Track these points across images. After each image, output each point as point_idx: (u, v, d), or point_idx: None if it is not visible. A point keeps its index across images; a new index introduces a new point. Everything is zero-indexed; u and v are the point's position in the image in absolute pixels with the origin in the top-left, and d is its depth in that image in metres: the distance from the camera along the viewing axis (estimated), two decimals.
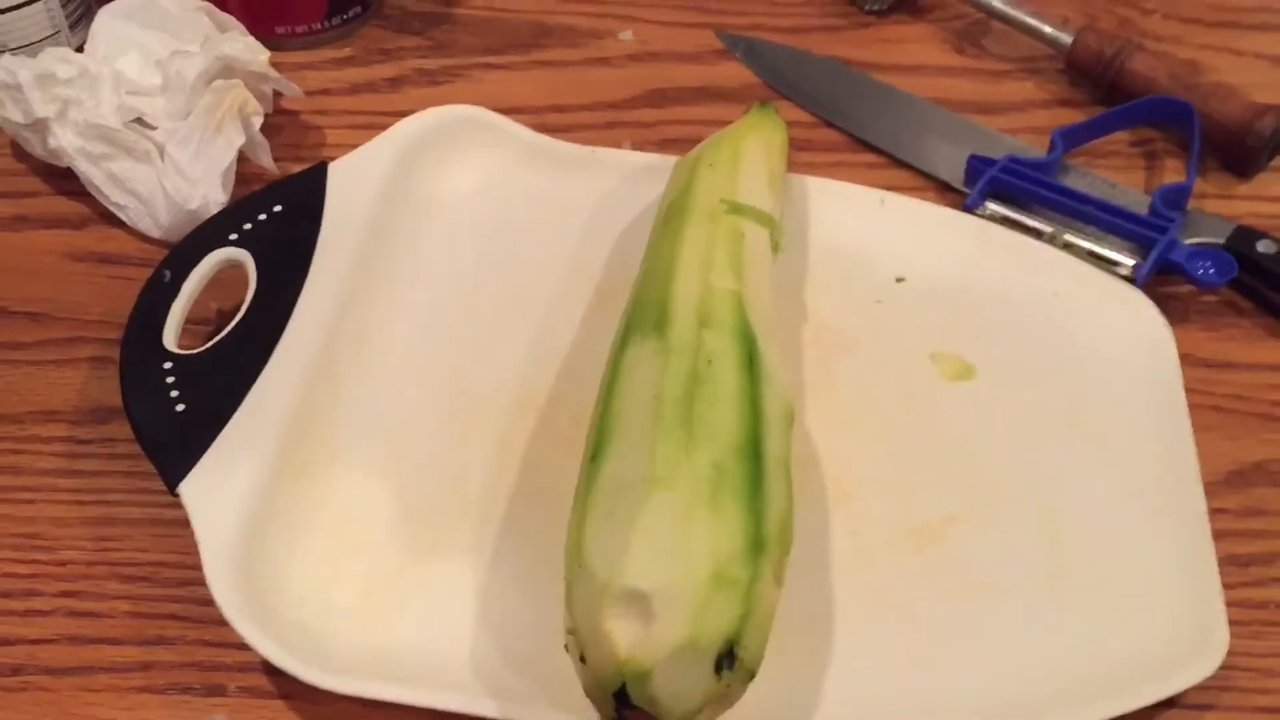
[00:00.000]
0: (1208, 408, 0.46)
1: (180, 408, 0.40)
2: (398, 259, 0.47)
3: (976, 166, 0.52)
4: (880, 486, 0.42)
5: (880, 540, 0.41)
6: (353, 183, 0.48)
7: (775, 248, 0.46)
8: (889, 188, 0.52)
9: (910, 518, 0.42)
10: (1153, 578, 0.40)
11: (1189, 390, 0.45)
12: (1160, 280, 0.49)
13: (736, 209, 0.44)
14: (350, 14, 0.59)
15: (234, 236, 0.45)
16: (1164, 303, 0.48)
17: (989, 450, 0.44)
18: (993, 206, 0.51)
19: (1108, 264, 0.49)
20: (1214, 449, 0.44)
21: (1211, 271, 0.48)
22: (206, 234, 0.45)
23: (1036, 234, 0.50)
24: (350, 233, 0.46)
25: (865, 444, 0.44)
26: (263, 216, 0.46)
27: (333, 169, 0.48)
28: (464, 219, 0.50)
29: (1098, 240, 0.49)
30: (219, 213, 0.47)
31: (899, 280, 0.49)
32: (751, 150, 0.48)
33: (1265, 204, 0.54)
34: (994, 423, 0.44)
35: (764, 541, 0.34)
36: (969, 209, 0.51)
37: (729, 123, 0.50)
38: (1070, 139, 0.54)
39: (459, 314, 0.47)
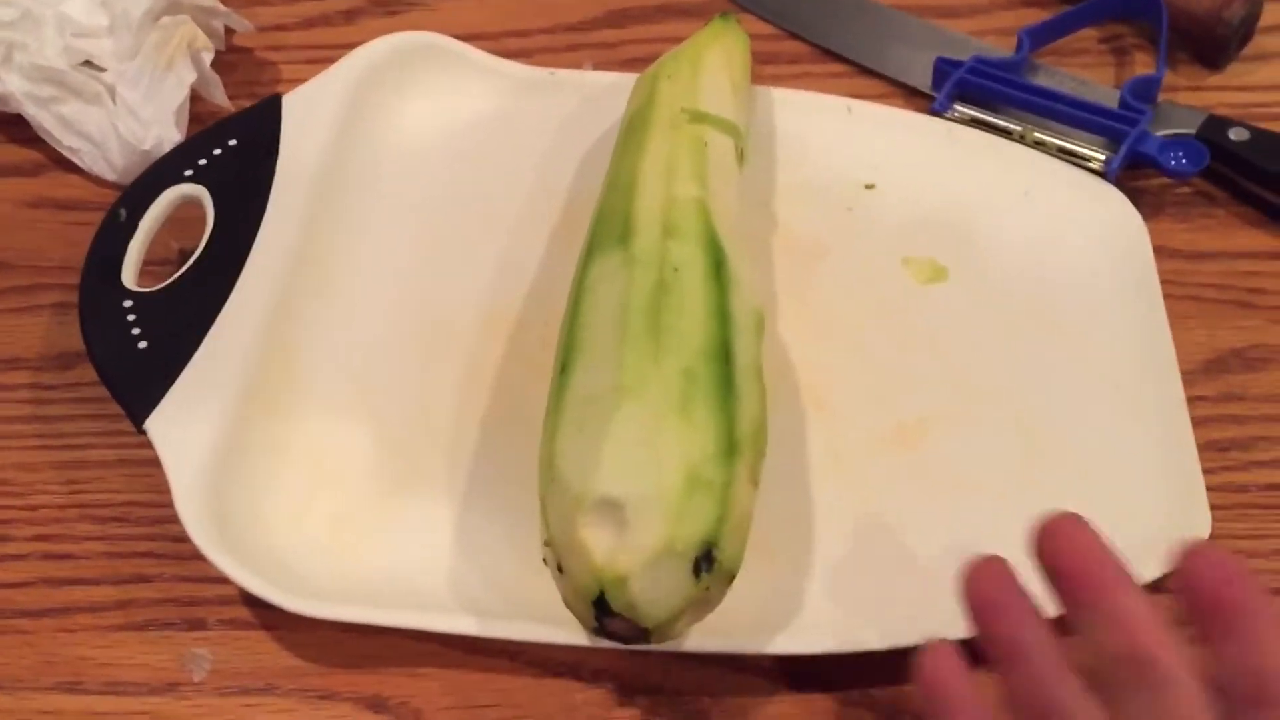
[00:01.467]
0: (1184, 297, 0.45)
1: (143, 345, 0.39)
2: (357, 189, 0.47)
3: (943, 69, 0.51)
4: (856, 391, 0.42)
5: (858, 444, 0.41)
6: (308, 114, 0.47)
7: (741, 157, 0.45)
8: (856, 96, 0.51)
9: (887, 421, 0.41)
10: (1133, 467, 0.40)
11: (1165, 281, 0.45)
12: (1133, 174, 0.49)
13: (699, 118, 0.44)
14: None
15: (189, 173, 0.44)
16: (1137, 196, 0.47)
17: (964, 351, 0.43)
18: (961, 109, 0.50)
19: (1079, 160, 0.48)
20: (1191, 338, 0.44)
21: (1184, 161, 0.47)
22: (162, 171, 0.45)
23: (1006, 133, 0.49)
24: (307, 165, 0.45)
25: (840, 350, 0.43)
26: (218, 152, 0.45)
27: (287, 101, 0.47)
28: (423, 147, 0.49)
29: (1068, 137, 0.49)
30: (173, 150, 0.46)
31: (868, 187, 0.48)
32: (713, 60, 0.47)
33: (1235, 93, 0.53)
34: (969, 323, 0.44)
35: (737, 444, 0.34)
36: (937, 112, 0.50)
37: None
38: (1037, 37, 0.53)
39: (422, 241, 0.46)
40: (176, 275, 0.41)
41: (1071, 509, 0.39)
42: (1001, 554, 0.37)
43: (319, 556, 0.37)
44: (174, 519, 0.36)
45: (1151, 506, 0.39)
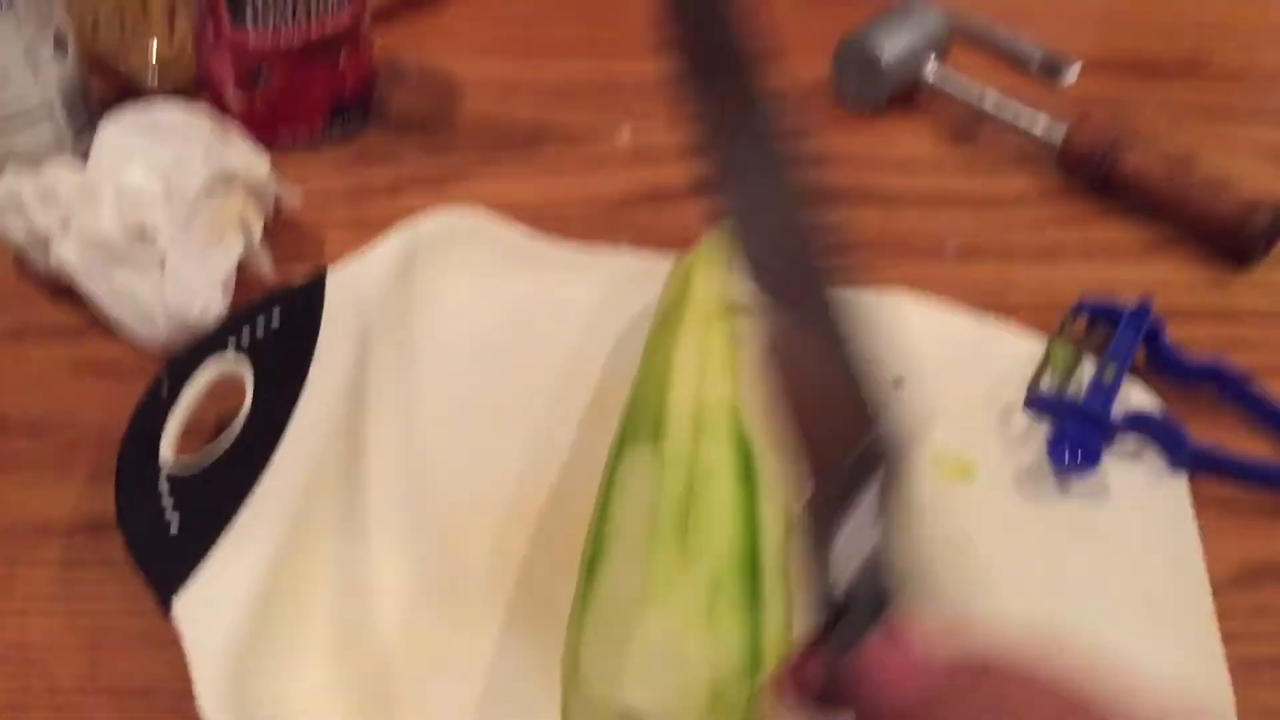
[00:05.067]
0: (1214, 506, 0.45)
1: (174, 526, 0.40)
2: (394, 364, 0.47)
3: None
4: None
5: None
6: (350, 289, 0.48)
7: None
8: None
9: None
10: (1163, 681, 0.39)
11: (1194, 485, 0.44)
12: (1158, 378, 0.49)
13: (733, 310, 0.44)
14: (350, 119, 0.60)
15: (232, 346, 0.45)
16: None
17: (994, 552, 0.43)
18: None
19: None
20: (1222, 548, 0.44)
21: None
22: (205, 344, 0.45)
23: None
24: (347, 340, 0.46)
25: None
26: (261, 325, 0.46)
27: (332, 276, 0.48)
28: (461, 322, 0.50)
29: None
30: (218, 322, 0.47)
31: (897, 382, 0.48)
32: None
33: (1260, 295, 0.54)
34: (995, 523, 0.44)
35: (761, 658, 0.33)
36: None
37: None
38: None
39: (456, 417, 0.47)
40: (213, 454, 0.42)
41: None
42: None
43: None
44: (193, 697, 0.36)
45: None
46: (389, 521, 0.43)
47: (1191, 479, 0.45)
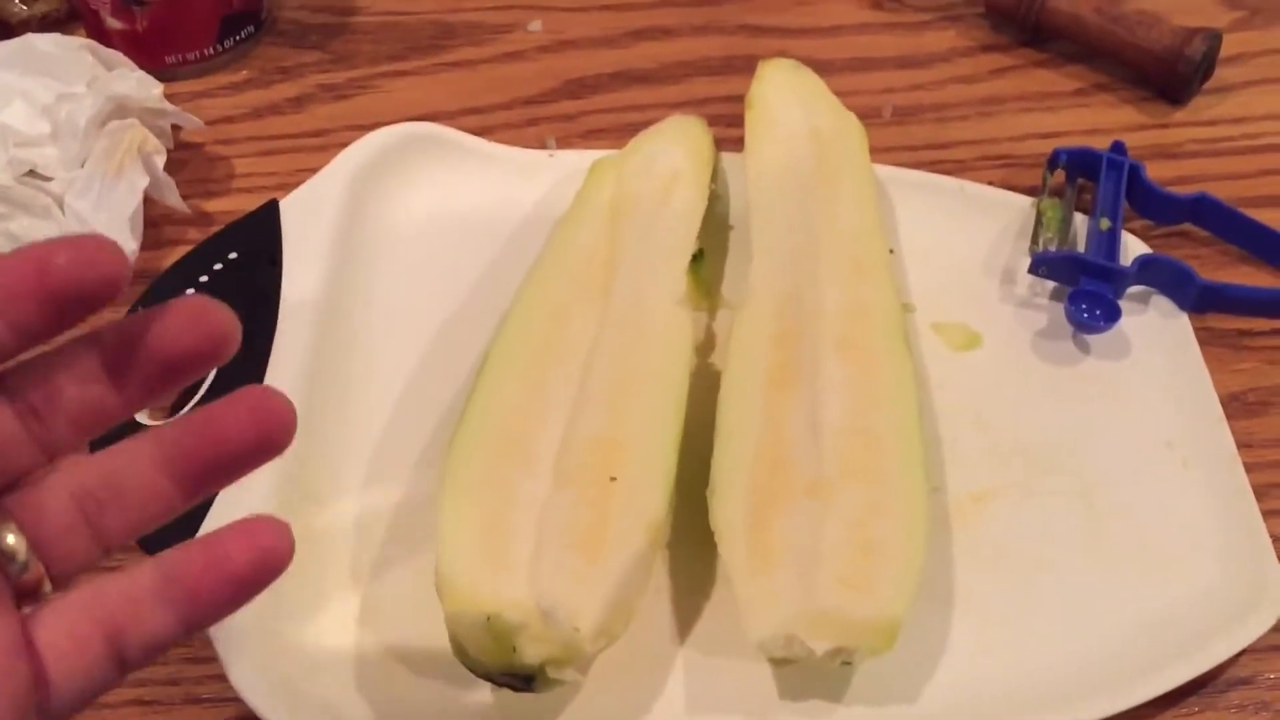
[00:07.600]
0: (1215, 336, 0.45)
1: None
2: (364, 288, 0.45)
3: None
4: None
5: None
6: (305, 217, 0.45)
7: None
8: None
9: (939, 497, 0.39)
10: (1196, 529, 0.39)
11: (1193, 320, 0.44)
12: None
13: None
14: (243, 34, 0.56)
15: (191, 293, 0.42)
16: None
17: (1008, 420, 0.42)
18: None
19: None
20: (1229, 381, 0.43)
21: None
22: (160, 293, 0.42)
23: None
24: (312, 269, 0.43)
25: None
26: (219, 266, 0.43)
27: (284, 205, 0.45)
28: (423, 236, 0.47)
29: None
30: (171, 267, 0.44)
31: (889, 252, 0.46)
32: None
33: (1201, 128, 0.53)
34: (1009, 390, 0.43)
35: None
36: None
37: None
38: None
39: (435, 333, 0.44)
40: (193, 402, 0.39)
41: (1142, 582, 0.37)
42: (1074, 633, 0.36)
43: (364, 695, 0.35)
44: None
45: (1223, 570, 0.38)
46: (387, 438, 0.41)
47: (1190, 316, 0.45)
